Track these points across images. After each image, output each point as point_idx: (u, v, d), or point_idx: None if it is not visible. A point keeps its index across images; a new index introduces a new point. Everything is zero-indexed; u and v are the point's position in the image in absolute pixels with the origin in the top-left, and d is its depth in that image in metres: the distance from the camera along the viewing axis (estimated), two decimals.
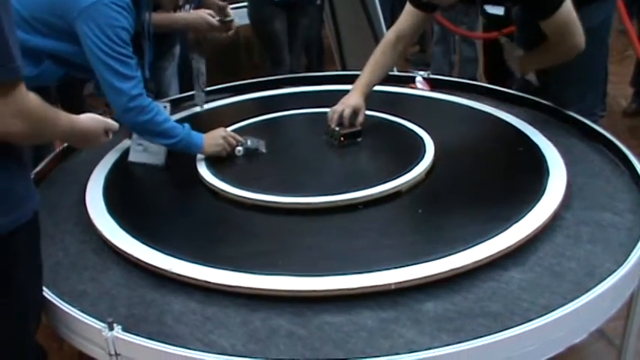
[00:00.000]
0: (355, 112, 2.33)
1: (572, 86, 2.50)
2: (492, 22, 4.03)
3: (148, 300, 1.64)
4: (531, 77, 2.60)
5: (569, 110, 2.47)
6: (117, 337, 1.47)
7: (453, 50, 4.87)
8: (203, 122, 2.45)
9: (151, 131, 2.12)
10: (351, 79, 2.49)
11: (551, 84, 2.58)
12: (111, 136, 1.81)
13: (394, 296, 1.57)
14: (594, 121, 2.40)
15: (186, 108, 2.82)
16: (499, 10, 2.98)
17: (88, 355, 1.59)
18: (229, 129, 2.31)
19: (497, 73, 4.48)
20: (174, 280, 1.67)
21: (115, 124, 1.81)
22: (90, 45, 2.01)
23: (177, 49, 3.26)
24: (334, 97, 2.40)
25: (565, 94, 2.51)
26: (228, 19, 2.74)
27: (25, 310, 1.54)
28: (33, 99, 1.36)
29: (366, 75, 2.45)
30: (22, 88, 1.32)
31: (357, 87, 2.42)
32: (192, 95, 2.94)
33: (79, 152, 2.46)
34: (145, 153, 2.29)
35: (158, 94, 3.03)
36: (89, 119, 1.70)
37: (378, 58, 2.47)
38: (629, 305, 1.83)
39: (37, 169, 2.27)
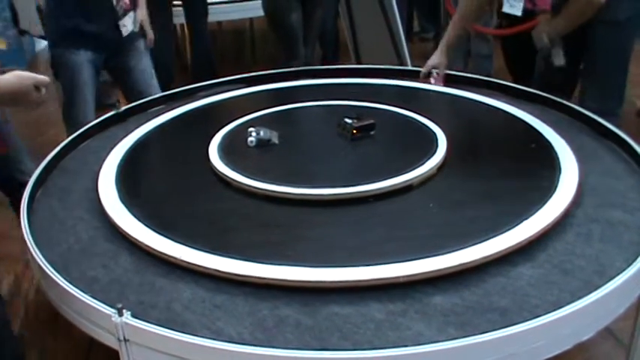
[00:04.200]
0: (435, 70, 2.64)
1: (596, 83, 2.49)
2: (509, 22, 4.03)
3: (157, 287, 1.65)
4: (559, 56, 2.58)
5: (591, 109, 2.45)
6: (126, 323, 1.48)
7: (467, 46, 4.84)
8: (217, 113, 2.45)
9: None
10: (365, 73, 2.49)
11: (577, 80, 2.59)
12: (44, 91, 1.73)
13: (403, 289, 1.57)
14: (610, 120, 2.39)
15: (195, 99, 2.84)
16: (517, 11, 2.98)
17: (98, 341, 1.61)
18: (243, 119, 2.30)
19: (521, 68, 4.47)
20: (183, 268, 1.68)
21: (45, 78, 1.72)
22: None
23: (140, 44, 3.12)
24: (348, 90, 2.40)
25: (588, 92, 2.50)
26: None
27: None
28: None
29: (448, 31, 2.72)
30: None
31: (440, 46, 2.70)
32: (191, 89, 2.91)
33: (91, 140, 2.48)
34: None
35: (139, 94, 2.97)
36: (14, 77, 1.66)
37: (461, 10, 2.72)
38: (638, 305, 1.83)
39: (50, 156, 2.28)
